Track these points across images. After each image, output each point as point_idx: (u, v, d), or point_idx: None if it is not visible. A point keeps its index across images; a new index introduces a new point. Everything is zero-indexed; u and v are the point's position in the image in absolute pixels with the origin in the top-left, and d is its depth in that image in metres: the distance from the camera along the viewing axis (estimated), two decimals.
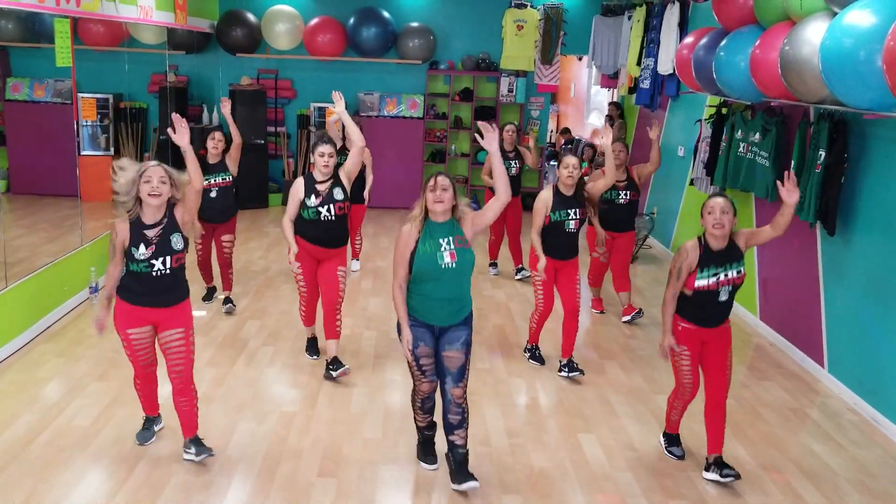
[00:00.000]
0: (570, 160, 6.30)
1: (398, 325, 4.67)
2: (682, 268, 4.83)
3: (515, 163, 8.95)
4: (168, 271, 4.65)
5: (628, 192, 7.71)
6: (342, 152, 7.78)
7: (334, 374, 6.13)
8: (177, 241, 4.66)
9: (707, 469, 4.96)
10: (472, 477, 4.65)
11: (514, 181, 8.93)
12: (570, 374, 6.38)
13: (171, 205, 4.68)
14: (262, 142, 12.37)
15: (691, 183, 9.18)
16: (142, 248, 4.57)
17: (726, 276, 4.79)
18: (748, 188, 7.56)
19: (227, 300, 7.75)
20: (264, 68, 12.80)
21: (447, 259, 4.54)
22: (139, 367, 4.87)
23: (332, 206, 6.08)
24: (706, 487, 4.85)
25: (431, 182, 4.65)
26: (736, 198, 8.19)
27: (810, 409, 6.08)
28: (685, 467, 5.08)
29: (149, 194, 4.54)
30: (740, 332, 7.69)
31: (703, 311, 4.89)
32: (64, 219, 8.90)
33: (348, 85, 12.83)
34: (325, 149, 6.12)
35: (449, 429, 4.73)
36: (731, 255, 4.81)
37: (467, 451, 4.75)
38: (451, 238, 4.58)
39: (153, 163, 4.61)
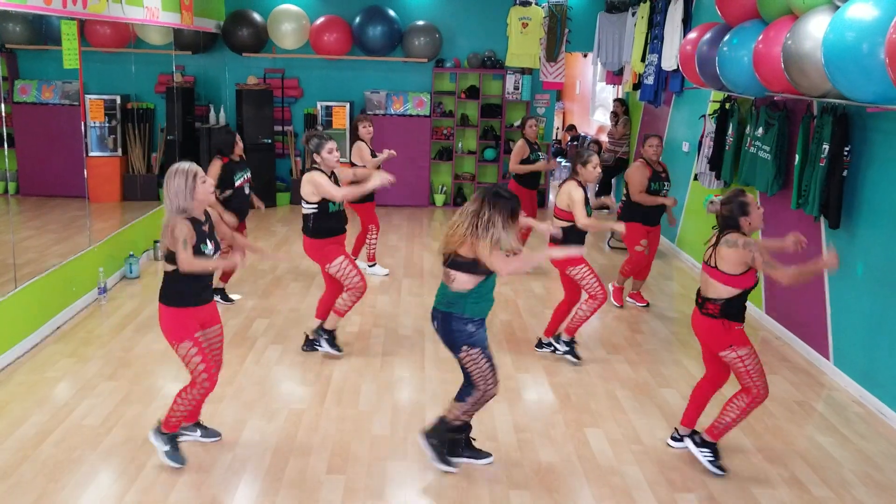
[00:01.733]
0: (596, 158, 6.50)
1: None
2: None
3: (543, 154, 9.10)
4: None
5: (667, 184, 7.92)
6: None
7: (327, 349, 6.65)
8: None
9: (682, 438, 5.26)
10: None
11: (539, 175, 9.13)
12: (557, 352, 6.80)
13: None
14: (269, 141, 12.42)
15: (695, 178, 9.19)
16: (208, 243, 4.65)
17: None
18: (750, 182, 7.57)
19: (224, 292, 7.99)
20: (271, 68, 12.84)
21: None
22: (213, 370, 4.74)
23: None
24: (712, 480, 4.88)
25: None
26: None
27: (816, 402, 6.10)
28: (691, 461, 5.10)
29: (210, 192, 4.68)
30: (746, 326, 7.68)
31: (744, 307, 4.86)
32: (72, 220, 8.96)
33: (354, 83, 12.89)
34: (333, 144, 6.38)
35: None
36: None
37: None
38: None
39: (193, 164, 4.62)
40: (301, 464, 4.92)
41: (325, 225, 6.39)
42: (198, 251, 4.57)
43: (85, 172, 8.62)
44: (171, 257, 4.61)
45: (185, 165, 4.57)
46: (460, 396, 4.88)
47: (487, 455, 5.03)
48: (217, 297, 7.71)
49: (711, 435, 5.01)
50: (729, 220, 4.75)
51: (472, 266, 4.56)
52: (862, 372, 6.18)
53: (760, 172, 7.36)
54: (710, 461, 4.97)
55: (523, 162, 9.03)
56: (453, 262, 4.61)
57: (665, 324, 7.74)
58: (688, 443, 5.13)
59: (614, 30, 11.84)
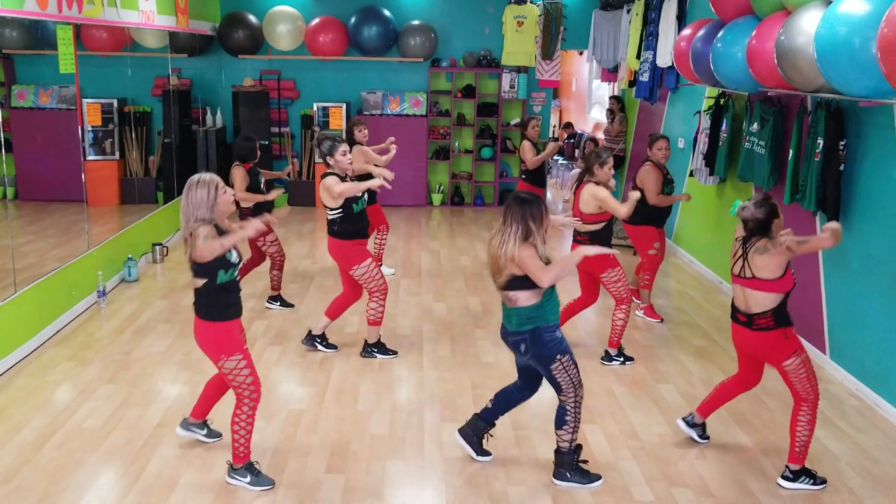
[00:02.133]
0: (612, 160, 6.51)
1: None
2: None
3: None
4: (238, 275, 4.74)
5: (673, 185, 7.80)
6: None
7: (325, 348, 6.79)
8: None
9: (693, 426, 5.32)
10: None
11: (545, 173, 9.20)
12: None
13: None
14: (266, 142, 12.43)
15: (691, 174, 9.22)
16: (232, 252, 4.57)
17: None
18: (747, 178, 7.61)
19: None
20: (267, 69, 12.87)
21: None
22: (259, 384, 4.71)
23: (366, 196, 6.57)
24: (708, 475, 4.91)
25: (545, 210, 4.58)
26: (737, 188, 8.27)
27: None
28: (687, 455, 5.14)
29: (231, 203, 4.60)
30: None
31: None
32: (71, 224, 8.99)
33: (351, 84, 12.92)
34: (345, 146, 6.45)
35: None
36: None
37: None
38: None
39: (213, 175, 4.51)
40: (300, 463, 4.95)
41: (351, 227, 6.43)
42: (224, 259, 4.50)
43: (83, 176, 8.66)
44: (200, 271, 4.52)
45: (207, 176, 4.48)
46: (559, 423, 4.72)
47: (487, 454, 5.05)
48: (276, 304, 7.86)
49: (797, 461, 4.83)
50: (764, 223, 4.65)
51: (527, 281, 4.52)
52: (858, 365, 6.21)
53: (757, 168, 7.38)
54: (812, 485, 4.81)
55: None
56: (509, 283, 4.56)
57: (663, 320, 7.76)
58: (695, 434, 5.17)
59: (609, 27, 11.86)
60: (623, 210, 6.31)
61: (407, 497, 4.65)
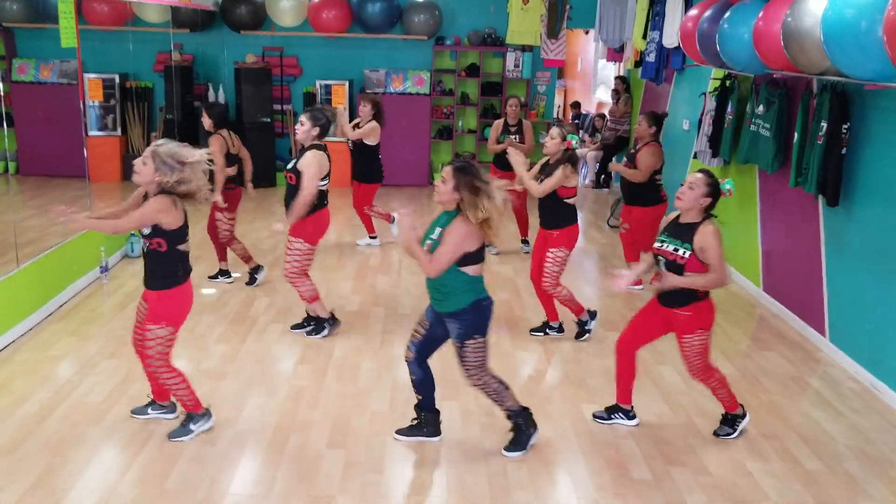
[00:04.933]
0: (554, 130, 6.41)
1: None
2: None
3: (517, 137, 9.08)
4: None
5: None
6: None
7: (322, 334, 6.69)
8: None
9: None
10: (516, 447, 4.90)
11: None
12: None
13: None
14: (269, 120, 12.41)
15: (695, 156, 9.19)
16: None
17: (662, 245, 4.81)
18: (751, 160, 7.59)
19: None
20: (269, 46, 12.82)
21: (425, 248, 4.66)
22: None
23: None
24: (705, 454, 4.93)
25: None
26: (740, 170, 8.25)
27: (811, 378, 6.14)
28: (686, 435, 5.16)
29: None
30: (744, 303, 7.75)
31: None
32: (73, 199, 8.99)
33: (354, 62, 12.86)
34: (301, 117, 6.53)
35: None
36: (682, 232, 4.75)
37: (509, 420, 4.90)
38: (439, 229, 4.65)
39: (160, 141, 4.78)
40: (302, 438, 4.97)
41: (323, 199, 6.51)
42: (183, 234, 4.84)
43: (85, 152, 8.64)
44: (163, 234, 4.77)
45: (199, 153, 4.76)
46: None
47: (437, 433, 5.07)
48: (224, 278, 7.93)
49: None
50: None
51: (473, 256, 4.62)
52: (857, 348, 6.22)
53: (762, 150, 7.36)
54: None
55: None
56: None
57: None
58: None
59: (616, 6, 11.77)
60: (537, 189, 6.33)
61: (406, 472, 4.68)
